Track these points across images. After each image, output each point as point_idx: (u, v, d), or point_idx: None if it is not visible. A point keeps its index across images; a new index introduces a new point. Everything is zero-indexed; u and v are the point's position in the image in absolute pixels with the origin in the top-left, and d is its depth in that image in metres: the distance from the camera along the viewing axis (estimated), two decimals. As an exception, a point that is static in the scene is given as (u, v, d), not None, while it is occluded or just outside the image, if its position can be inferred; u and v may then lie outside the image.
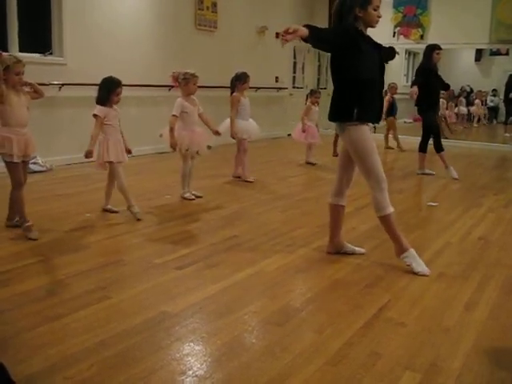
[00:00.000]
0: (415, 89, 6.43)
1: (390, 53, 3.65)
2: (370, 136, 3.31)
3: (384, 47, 3.48)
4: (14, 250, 3.55)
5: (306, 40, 2.93)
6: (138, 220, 4.27)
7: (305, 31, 2.87)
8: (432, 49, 6.59)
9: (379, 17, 3.24)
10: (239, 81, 6.05)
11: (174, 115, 4.83)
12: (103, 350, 2.26)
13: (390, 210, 3.29)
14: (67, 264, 3.30)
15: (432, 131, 6.77)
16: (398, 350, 2.37)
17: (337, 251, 3.62)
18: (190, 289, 2.97)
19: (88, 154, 4.17)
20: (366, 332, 2.53)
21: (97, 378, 2.07)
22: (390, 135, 9.70)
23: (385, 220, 3.33)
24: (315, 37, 2.95)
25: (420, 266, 3.30)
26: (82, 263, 3.32)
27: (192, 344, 2.37)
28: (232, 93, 6.09)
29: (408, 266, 3.31)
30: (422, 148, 6.89)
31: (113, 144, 4.27)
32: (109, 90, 4.25)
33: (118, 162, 4.32)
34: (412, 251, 3.32)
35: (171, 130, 4.81)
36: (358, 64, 3.20)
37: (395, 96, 9.75)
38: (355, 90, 3.23)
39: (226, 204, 5.07)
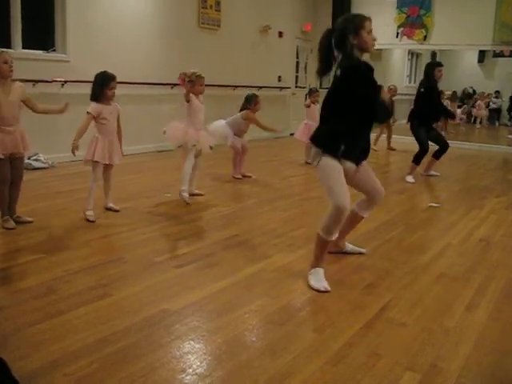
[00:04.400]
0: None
1: (385, 114, 3.48)
2: (341, 169, 3.05)
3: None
4: (15, 247, 3.55)
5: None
6: (92, 222, 4.16)
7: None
8: (433, 67, 6.60)
9: (375, 40, 3.03)
10: (249, 103, 6.11)
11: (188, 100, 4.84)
12: (104, 347, 2.27)
13: (332, 238, 3.12)
14: (68, 261, 3.30)
15: (424, 146, 6.64)
16: (398, 350, 2.37)
17: (337, 251, 3.61)
18: (191, 287, 2.97)
19: (74, 150, 4.00)
20: (367, 332, 2.53)
21: (97, 375, 2.07)
22: (384, 135, 9.65)
23: (321, 241, 3.12)
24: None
25: (318, 282, 3.06)
26: (82, 260, 3.33)
27: (192, 342, 2.37)
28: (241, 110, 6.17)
29: (308, 279, 3.12)
30: (416, 160, 6.70)
31: (102, 144, 4.21)
32: (102, 85, 4.19)
33: (104, 163, 4.26)
34: (319, 269, 3.12)
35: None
36: (359, 101, 2.93)
37: (394, 98, 9.64)
38: (347, 127, 2.99)
39: (227, 203, 5.07)
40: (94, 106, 4.20)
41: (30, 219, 4.04)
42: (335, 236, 3.15)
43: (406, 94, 13.07)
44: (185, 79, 4.87)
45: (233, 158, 6.22)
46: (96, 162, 4.23)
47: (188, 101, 4.83)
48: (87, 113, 4.18)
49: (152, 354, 2.24)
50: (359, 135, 3.11)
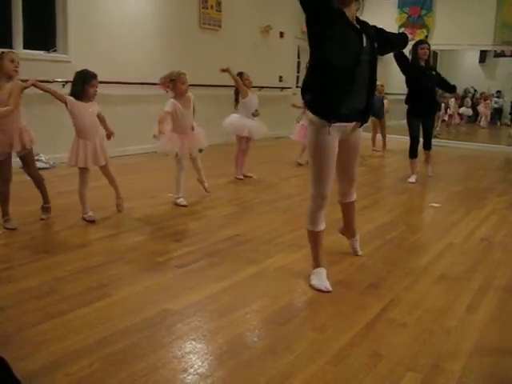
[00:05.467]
0: None
1: (397, 40, 3.22)
2: (332, 143, 2.92)
3: (388, 34, 3.12)
4: (16, 247, 3.55)
5: None
6: (92, 222, 4.14)
7: None
8: (416, 44, 6.34)
9: None
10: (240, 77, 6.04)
11: (166, 111, 4.61)
12: (105, 348, 2.27)
13: (319, 228, 3.06)
14: (69, 261, 3.30)
15: (411, 139, 6.50)
16: (399, 350, 2.37)
17: (345, 236, 3.66)
18: (192, 287, 2.97)
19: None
20: (368, 332, 2.53)
21: (98, 375, 2.07)
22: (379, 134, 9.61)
23: (309, 234, 3.11)
24: None
25: (319, 282, 3.03)
26: (84, 260, 3.33)
27: (193, 342, 2.37)
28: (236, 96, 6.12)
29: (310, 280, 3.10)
30: (409, 153, 6.59)
31: (83, 148, 4.07)
32: (84, 82, 4.04)
33: (87, 167, 4.13)
34: (319, 269, 3.10)
35: (161, 123, 4.49)
36: (327, 43, 2.76)
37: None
38: (315, 71, 2.86)
39: (228, 203, 5.07)
40: (72, 99, 4.04)
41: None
42: (322, 226, 3.08)
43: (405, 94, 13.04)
44: (165, 82, 4.68)
45: (235, 158, 6.20)
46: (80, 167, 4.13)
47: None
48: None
49: (153, 354, 2.24)
50: (334, 84, 2.81)
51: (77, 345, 2.28)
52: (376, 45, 2.94)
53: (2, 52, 3.74)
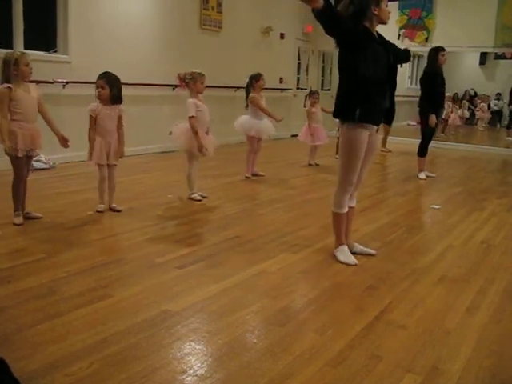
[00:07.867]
0: (433, 118, 6.51)
1: (404, 56, 3.71)
2: (365, 140, 3.31)
3: (397, 49, 3.51)
4: (16, 247, 3.55)
5: (315, 9, 2.89)
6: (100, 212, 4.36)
7: (320, 3, 2.86)
8: (436, 51, 6.56)
9: (389, 12, 3.35)
10: (254, 79, 6.14)
11: (192, 116, 4.77)
12: (104, 348, 2.27)
13: (344, 210, 3.48)
14: (69, 261, 3.30)
15: (426, 135, 6.75)
16: (398, 352, 2.37)
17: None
18: (192, 288, 2.97)
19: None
20: (367, 334, 2.53)
21: (97, 376, 2.07)
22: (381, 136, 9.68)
23: (335, 216, 3.51)
24: (327, 11, 2.94)
25: (346, 258, 3.48)
26: (83, 261, 3.33)
27: (193, 343, 2.37)
28: (247, 96, 6.15)
29: (335, 257, 3.52)
30: (421, 152, 6.82)
31: (99, 146, 4.31)
32: None
33: (103, 164, 4.38)
34: (343, 247, 3.53)
35: (196, 133, 4.75)
36: (363, 63, 3.16)
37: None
38: (359, 89, 3.22)
39: (228, 204, 5.07)
40: (92, 106, 4.33)
41: (39, 215, 4.17)
42: (346, 209, 3.47)
43: (407, 96, 13.07)
44: (184, 78, 4.85)
45: (247, 157, 6.25)
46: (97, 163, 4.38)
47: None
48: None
49: (153, 355, 2.24)
50: (373, 95, 3.24)
51: (76, 345, 2.28)
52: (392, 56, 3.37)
53: (16, 58, 3.75)
